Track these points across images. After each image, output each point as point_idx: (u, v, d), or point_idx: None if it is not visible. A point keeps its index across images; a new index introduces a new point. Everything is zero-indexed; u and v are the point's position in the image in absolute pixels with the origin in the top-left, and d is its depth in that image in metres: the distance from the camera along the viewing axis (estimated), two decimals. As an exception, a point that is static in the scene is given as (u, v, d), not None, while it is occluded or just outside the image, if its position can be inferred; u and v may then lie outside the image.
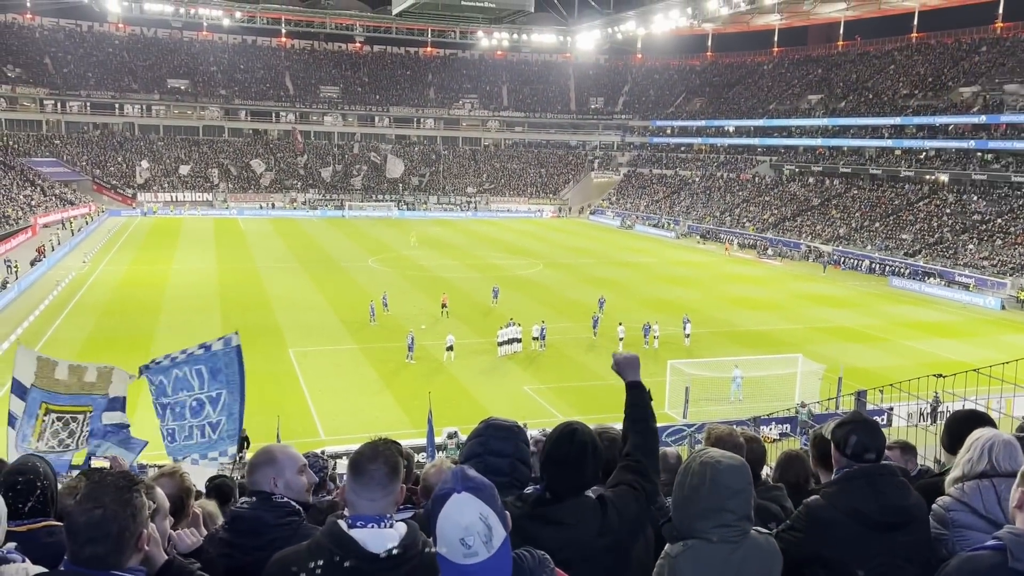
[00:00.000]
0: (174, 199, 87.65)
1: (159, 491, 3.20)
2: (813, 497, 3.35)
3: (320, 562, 2.52)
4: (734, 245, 71.60)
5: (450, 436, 22.32)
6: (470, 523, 2.19)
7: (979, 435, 3.22)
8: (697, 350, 34.19)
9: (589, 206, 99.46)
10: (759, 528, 2.83)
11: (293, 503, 3.29)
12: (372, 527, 2.54)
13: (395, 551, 2.51)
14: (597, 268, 57.58)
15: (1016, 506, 2.55)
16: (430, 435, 20.76)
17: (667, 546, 2.80)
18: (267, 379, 29.40)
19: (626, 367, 3.44)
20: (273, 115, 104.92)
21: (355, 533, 2.54)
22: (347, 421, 25.50)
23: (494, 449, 3.19)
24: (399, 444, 2.83)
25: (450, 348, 32.42)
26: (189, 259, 55.61)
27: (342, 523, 2.59)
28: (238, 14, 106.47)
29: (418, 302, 43.02)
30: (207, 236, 67.98)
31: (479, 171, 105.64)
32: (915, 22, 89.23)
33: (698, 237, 78.26)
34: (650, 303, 45.00)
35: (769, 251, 68.55)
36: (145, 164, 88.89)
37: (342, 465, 19.75)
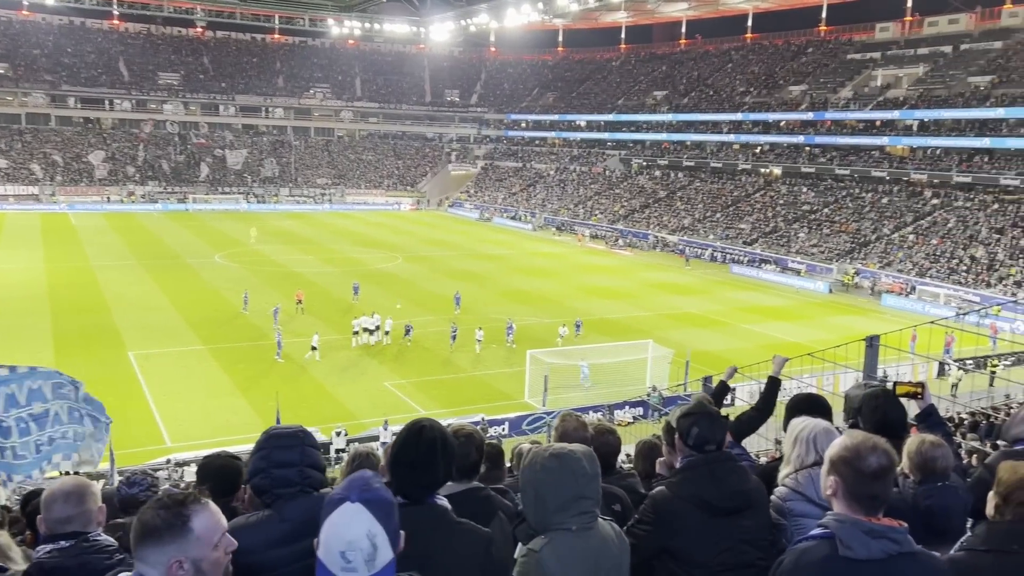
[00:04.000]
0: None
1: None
2: (657, 488, 3.44)
3: None
4: (586, 236, 73.67)
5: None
6: (355, 538, 2.07)
7: (799, 428, 3.36)
8: (552, 339, 34.82)
9: (447, 198, 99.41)
10: (604, 516, 2.86)
11: (111, 539, 2.99)
12: None
13: None
14: (457, 260, 57.66)
15: (830, 493, 2.63)
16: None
17: (524, 544, 2.75)
18: (104, 385, 27.42)
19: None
20: (107, 102, 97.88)
21: None
22: (196, 426, 24.23)
23: (278, 461, 3.02)
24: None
25: (314, 348, 31.51)
26: (12, 258, 51.00)
27: None
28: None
29: (272, 299, 41.50)
30: (33, 233, 62.63)
31: (333, 162, 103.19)
32: (749, 23, 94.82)
33: (554, 229, 79.93)
34: (509, 294, 45.53)
35: (619, 241, 70.98)
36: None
37: (190, 473, 18.77)
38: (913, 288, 49.28)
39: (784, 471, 3.40)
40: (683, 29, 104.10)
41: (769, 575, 2.64)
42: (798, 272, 56.07)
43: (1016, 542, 2.58)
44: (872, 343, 4.43)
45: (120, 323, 35.70)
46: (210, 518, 2.24)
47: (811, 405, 3.78)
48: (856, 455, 2.55)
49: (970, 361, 31.65)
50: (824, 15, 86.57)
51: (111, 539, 3.01)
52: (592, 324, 39.09)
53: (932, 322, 6.03)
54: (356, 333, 33.43)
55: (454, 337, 33.96)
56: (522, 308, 41.12)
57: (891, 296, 48.76)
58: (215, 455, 3.72)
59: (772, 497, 3.38)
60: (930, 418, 3.95)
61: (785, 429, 3.79)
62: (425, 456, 2.83)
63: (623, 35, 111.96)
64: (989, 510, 2.73)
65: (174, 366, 30.21)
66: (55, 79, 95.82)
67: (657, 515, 3.29)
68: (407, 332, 34.23)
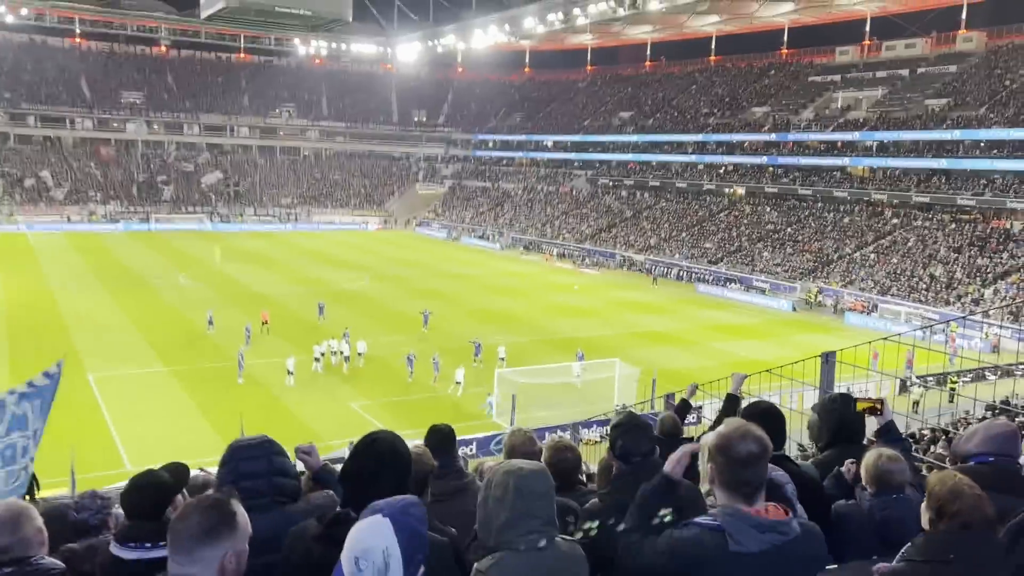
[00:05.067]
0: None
1: None
2: (592, 501, 3.53)
3: None
4: (554, 255, 73.96)
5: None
6: (370, 548, 2.11)
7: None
8: (522, 358, 34.81)
9: (415, 218, 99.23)
10: (564, 536, 2.83)
11: (56, 562, 2.90)
12: None
13: None
14: (425, 280, 57.47)
15: (710, 480, 2.70)
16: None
17: (476, 563, 2.72)
18: (62, 408, 26.72)
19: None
20: (68, 121, 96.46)
21: None
22: (156, 448, 23.69)
23: (245, 472, 2.97)
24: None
25: (290, 372, 30.98)
26: (-32, 279, 49.87)
27: None
28: (24, 11, 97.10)
29: (238, 319, 40.96)
30: (-10, 253, 61.35)
31: (299, 182, 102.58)
32: (713, 46, 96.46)
33: (521, 248, 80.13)
34: (477, 314, 45.45)
35: (586, 261, 71.35)
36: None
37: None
38: (875, 306, 50.11)
39: (704, 488, 3.38)
40: (648, 51, 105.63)
41: (645, 549, 2.68)
42: (763, 291, 56.75)
43: (952, 551, 2.63)
44: (828, 359, 4.47)
45: (79, 345, 34.99)
46: (244, 511, 2.42)
47: (764, 416, 3.79)
48: (727, 442, 2.62)
49: (931, 378, 32.18)
50: (786, 38, 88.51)
51: (57, 561, 2.91)
52: (559, 343, 39.16)
53: (885, 338, 6.12)
54: (317, 359, 32.86)
55: (436, 367, 32.07)
56: (490, 327, 41.03)
57: (853, 314, 49.51)
58: (213, 495, 3.52)
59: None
60: (889, 434, 4.00)
61: None
62: (372, 467, 2.79)
63: (589, 57, 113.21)
64: (924, 523, 2.78)
65: (135, 388, 29.65)
66: (14, 97, 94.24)
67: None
68: (410, 363, 32.46)
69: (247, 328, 36.33)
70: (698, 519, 2.66)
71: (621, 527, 2.94)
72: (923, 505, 2.80)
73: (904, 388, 30.87)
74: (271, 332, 38.20)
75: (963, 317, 39.84)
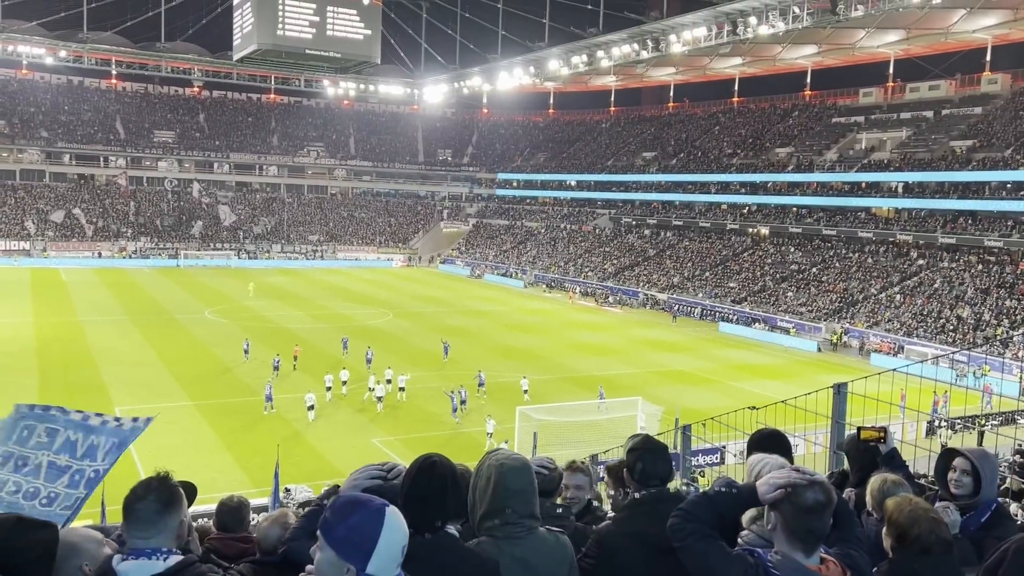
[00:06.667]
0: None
1: None
2: (604, 523, 3.61)
3: None
4: (577, 293, 74.00)
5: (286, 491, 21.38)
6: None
7: (756, 469, 3.40)
8: (543, 395, 34.78)
9: (439, 255, 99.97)
10: (550, 527, 3.00)
11: None
12: (142, 560, 2.59)
13: None
14: (448, 317, 57.73)
15: (771, 528, 2.74)
16: (275, 490, 19.96)
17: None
18: (90, 441, 27.18)
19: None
20: (101, 159, 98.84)
21: (122, 566, 2.56)
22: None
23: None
24: (170, 480, 2.79)
25: (311, 407, 31.14)
26: (0, 313, 50.89)
27: (116, 558, 2.60)
28: (63, 53, 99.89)
29: (266, 355, 41.38)
30: (22, 288, 62.54)
31: (325, 219, 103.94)
32: (736, 88, 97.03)
33: (544, 286, 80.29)
34: (499, 350, 45.52)
35: (609, 299, 71.30)
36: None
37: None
38: (901, 347, 49.50)
39: (747, 515, 3.44)
40: (671, 93, 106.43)
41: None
42: (787, 331, 56.30)
43: None
44: (840, 390, 4.56)
45: (107, 378, 35.50)
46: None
47: (771, 442, 3.89)
48: (795, 490, 2.63)
49: (959, 421, 31.71)
50: (808, 80, 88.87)
51: None
52: (581, 380, 39.07)
53: (894, 370, 6.15)
54: (329, 388, 33.39)
55: (464, 403, 32.17)
56: (512, 364, 41.07)
57: (879, 355, 48.93)
58: (154, 477, 3.37)
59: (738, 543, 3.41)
60: (893, 460, 4.08)
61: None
62: (437, 491, 2.89)
63: (612, 98, 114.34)
64: (887, 548, 2.84)
65: (161, 422, 29.77)
66: (51, 136, 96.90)
67: (601, 549, 3.40)
68: (453, 403, 32.29)
69: (275, 361, 36.79)
70: (767, 558, 2.66)
71: (679, 509, 2.91)
72: (883, 532, 2.87)
73: (931, 431, 30.43)
74: (298, 368, 38.52)
75: (967, 351, 39.24)
